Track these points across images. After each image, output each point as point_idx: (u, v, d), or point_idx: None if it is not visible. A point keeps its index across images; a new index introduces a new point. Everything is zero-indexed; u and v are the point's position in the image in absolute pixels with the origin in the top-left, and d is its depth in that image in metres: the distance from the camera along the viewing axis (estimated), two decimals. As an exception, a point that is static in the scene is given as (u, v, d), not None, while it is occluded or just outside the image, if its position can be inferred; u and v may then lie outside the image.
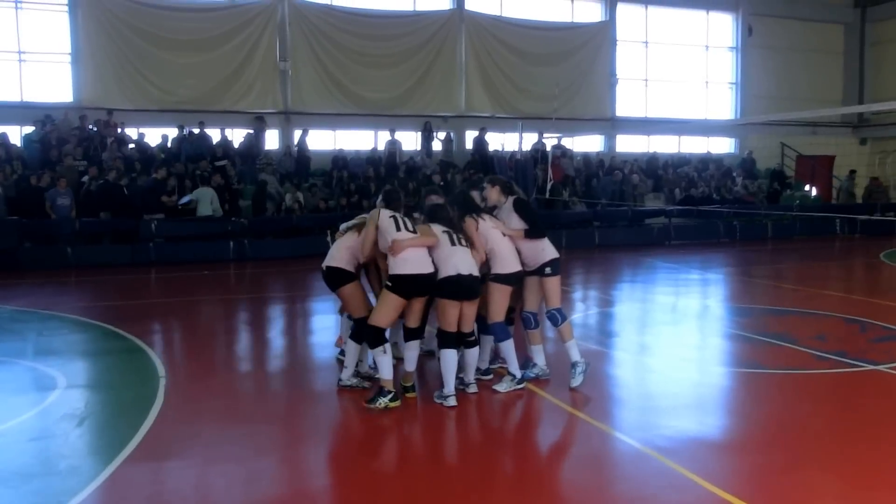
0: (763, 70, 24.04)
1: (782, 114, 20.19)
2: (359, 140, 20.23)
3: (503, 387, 6.14)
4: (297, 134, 19.12)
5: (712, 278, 14.00)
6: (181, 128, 17.76)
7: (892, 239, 19.23)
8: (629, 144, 22.81)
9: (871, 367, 6.90)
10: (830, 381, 6.56)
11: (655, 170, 21.36)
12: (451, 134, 20.83)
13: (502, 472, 4.79)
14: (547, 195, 16.93)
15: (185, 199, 15.48)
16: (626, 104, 22.84)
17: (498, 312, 6.09)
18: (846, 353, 7.26)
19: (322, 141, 19.72)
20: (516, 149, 20.19)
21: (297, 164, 18.48)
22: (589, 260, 15.81)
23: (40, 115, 16.97)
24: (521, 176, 14.40)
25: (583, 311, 10.11)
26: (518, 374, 6.20)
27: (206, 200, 15.43)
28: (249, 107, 19.10)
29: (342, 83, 19.91)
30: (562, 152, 20.58)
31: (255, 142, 18.43)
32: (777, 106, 22.78)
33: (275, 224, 16.46)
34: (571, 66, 21.98)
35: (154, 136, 17.79)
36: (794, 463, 4.75)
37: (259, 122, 18.73)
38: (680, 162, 22.33)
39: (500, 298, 6.08)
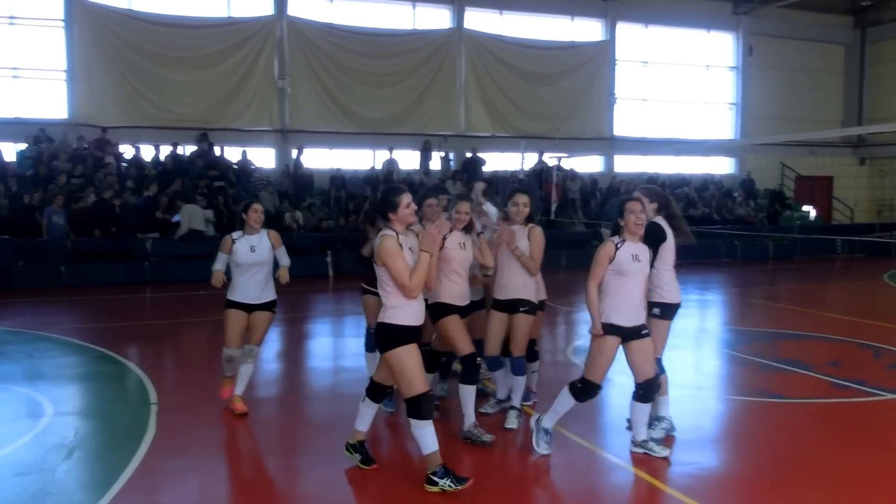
0: (763, 90, 23.98)
1: (782, 135, 20.07)
2: (357, 159, 20.05)
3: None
4: (296, 153, 18.94)
5: (715, 300, 13.79)
6: (175, 145, 17.56)
7: (893, 260, 19.10)
8: (628, 164, 22.68)
9: (892, 396, 6.67)
10: (854, 411, 6.32)
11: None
12: (451, 153, 20.69)
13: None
14: (552, 216, 16.74)
15: (175, 219, 15.25)
16: (625, 124, 22.73)
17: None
18: (865, 382, 7.02)
19: (320, 160, 19.53)
20: (517, 168, 20.13)
21: (295, 183, 18.27)
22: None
23: (34, 131, 16.76)
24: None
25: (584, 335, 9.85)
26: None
27: (196, 217, 15.14)
28: (247, 125, 18.92)
29: (341, 101, 19.76)
30: (569, 174, 20.46)
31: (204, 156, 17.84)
32: (777, 126, 22.70)
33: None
34: (571, 85, 21.89)
35: (151, 154, 17.56)
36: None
37: (202, 138, 18.10)
38: (679, 182, 22.20)
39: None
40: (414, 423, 4.54)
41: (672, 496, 4.59)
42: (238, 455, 5.30)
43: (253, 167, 18.44)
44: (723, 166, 24.42)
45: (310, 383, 7.81)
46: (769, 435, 5.73)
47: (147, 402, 6.47)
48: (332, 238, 16.35)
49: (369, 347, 6.36)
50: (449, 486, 4.46)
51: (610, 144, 22.28)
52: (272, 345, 9.76)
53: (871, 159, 26.24)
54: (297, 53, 19.27)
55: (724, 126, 24.21)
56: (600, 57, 22.25)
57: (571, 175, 20.56)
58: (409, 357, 4.51)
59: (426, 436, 4.54)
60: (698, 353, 9.07)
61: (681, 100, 23.44)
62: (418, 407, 4.48)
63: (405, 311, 4.54)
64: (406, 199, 4.59)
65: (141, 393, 6.82)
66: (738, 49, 24.14)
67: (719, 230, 19.22)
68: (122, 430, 5.87)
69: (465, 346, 5.32)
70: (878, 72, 25.79)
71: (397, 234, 4.55)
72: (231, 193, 16.65)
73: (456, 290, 5.38)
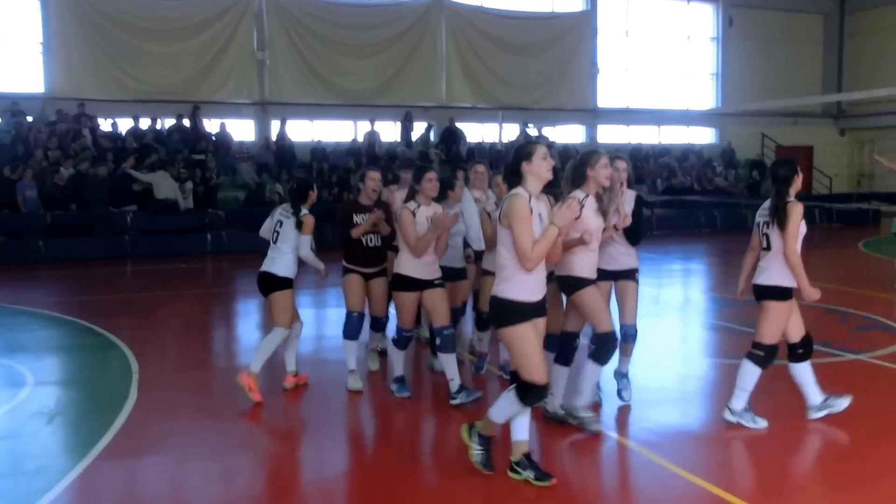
0: (744, 60, 24.05)
1: (762, 102, 20.21)
2: (338, 131, 19.99)
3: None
4: (275, 125, 18.86)
5: (695, 268, 14.00)
6: (154, 119, 17.46)
7: (869, 228, 19.41)
8: (610, 135, 22.75)
9: (853, 356, 6.87)
10: (817, 371, 6.50)
11: (637, 160, 21.33)
12: (433, 124, 20.67)
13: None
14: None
15: (143, 181, 15.07)
16: (608, 94, 22.76)
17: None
18: (829, 344, 7.22)
19: (300, 132, 19.46)
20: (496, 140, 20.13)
21: (278, 155, 18.23)
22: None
23: (9, 105, 16.56)
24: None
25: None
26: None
27: (165, 185, 15.03)
28: (226, 97, 18.77)
29: (321, 73, 19.64)
30: (552, 145, 20.50)
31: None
32: (757, 96, 22.81)
33: (254, 216, 16.12)
34: (552, 56, 21.86)
35: (130, 128, 17.42)
36: (782, 452, 4.70)
37: (193, 112, 17.92)
38: (661, 152, 22.33)
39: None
40: (513, 403, 4.13)
41: (635, 450, 4.75)
42: (218, 421, 5.40)
43: (232, 140, 18.37)
44: (704, 136, 24.55)
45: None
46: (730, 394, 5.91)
47: (128, 372, 6.54)
48: (315, 210, 16.33)
49: (350, 334, 6.04)
50: (533, 478, 4.16)
51: (592, 115, 22.32)
52: (252, 316, 9.83)
53: (851, 130, 26.48)
54: (275, 24, 19.10)
55: (705, 96, 24.30)
56: (582, 27, 22.21)
57: (554, 146, 20.59)
58: (528, 338, 4.05)
59: (520, 423, 4.22)
60: (672, 319, 9.27)
61: (662, 70, 23.47)
62: (527, 393, 4.07)
63: (523, 285, 4.05)
64: (542, 150, 4.09)
65: (122, 363, 6.88)
66: (718, 19, 24.17)
67: (699, 200, 19.42)
68: (103, 398, 5.95)
69: (606, 321, 4.90)
70: (858, 42, 25.92)
71: (530, 196, 4.03)
72: (212, 167, 16.60)
73: (592, 261, 4.89)
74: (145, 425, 5.25)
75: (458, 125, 20.29)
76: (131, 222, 14.79)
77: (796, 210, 4.90)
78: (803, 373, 5.13)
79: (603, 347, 4.89)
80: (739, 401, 5.04)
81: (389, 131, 20.02)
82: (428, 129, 20.40)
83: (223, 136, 18.25)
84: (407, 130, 20.20)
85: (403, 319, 5.64)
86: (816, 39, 25.90)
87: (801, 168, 5.17)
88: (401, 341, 5.74)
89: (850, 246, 16.34)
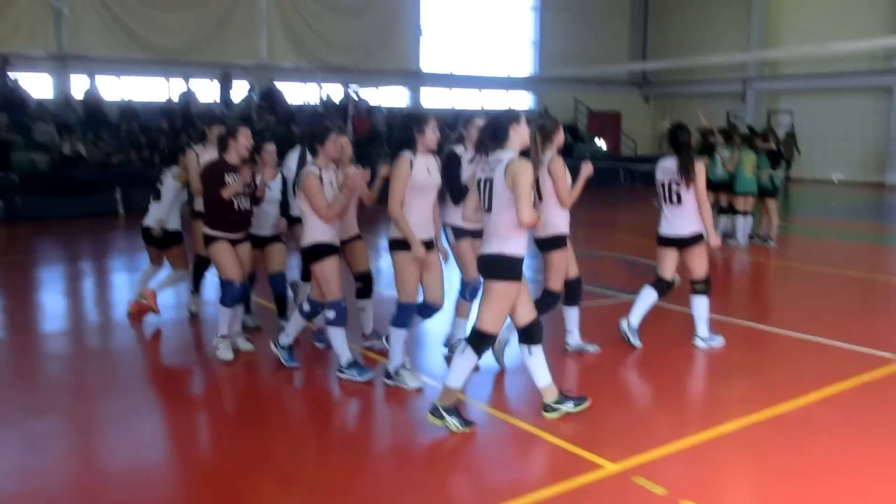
0: (559, 30, 25.26)
1: (574, 69, 21.42)
2: (150, 89, 18.83)
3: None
4: (76, 80, 17.42)
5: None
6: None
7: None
8: (434, 99, 23.15)
9: (629, 296, 7.59)
10: (595, 311, 7.14)
11: (459, 125, 21.88)
12: (254, 84, 19.99)
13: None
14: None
15: None
16: (432, 58, 23.09)
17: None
18: (609, 286, 7.94)
19: (108, 90, 18.10)
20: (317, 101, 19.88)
21: (87, 114, 16.86)
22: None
23: None
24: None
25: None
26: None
27: None
28: (18, 48, 17.04)
29: (128, 25, 18.31)
30: (375, 108, 20.51)
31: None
32: (571, 64, 24.11)
33: (53, 180, 14.95)
34: (376, 17, 21.80)
35: None
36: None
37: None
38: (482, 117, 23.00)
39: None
40: (470, 359, 4.36)
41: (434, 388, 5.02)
42: (15, 388, 5.08)
43: (30, 96, 16.78)
44: (523, 102, 25.62)
45: (89, 320, 7.50)
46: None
47: None
48: (124, 174, 15.41)
49: (230, 303, 5.67)
50: (572, 407, 4.58)
51: (416, 78, 22.57)
52: (50, 285, 9.18)
53: (655, 97, 28.71)
54: (73, -30, 17.55)
55: (524, 63, 25.32)
56: (405, -11, 22.29)
57: (377, 108, 20.67)
58: (512, 296, 4.34)
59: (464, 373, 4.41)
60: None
61: (485, 36, 24.13)
62: (484, 343, 4.37)
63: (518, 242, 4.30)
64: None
65: None
66: (536, -12, 25.17)
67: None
68: None
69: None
70: (661, 14, 28.05)
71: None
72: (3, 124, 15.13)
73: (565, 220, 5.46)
74: None
75: (280, 86, 19.80)
76: None
77: (701, 167, 5.68)
78: (701, 306, 6.00)
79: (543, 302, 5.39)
80: (703, 328, 6.01)
81: (207, 91, 19.14)
82: (250, 90, 19.74)
83: (15, 90, 16.57)
84: (226, 90, 19.41)
85: (332, 289, 5.14)
86: (624, 11, 27.72)
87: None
88: (317, 313, 5.46)
89: (647, 203, 17.79)
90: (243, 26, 19.94)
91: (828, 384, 5.13)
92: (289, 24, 20.53)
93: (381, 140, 19.52)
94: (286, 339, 5.49)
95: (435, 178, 5.01)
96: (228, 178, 5.54)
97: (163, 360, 6.12)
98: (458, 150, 5.39)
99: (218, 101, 19.06)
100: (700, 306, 5.96)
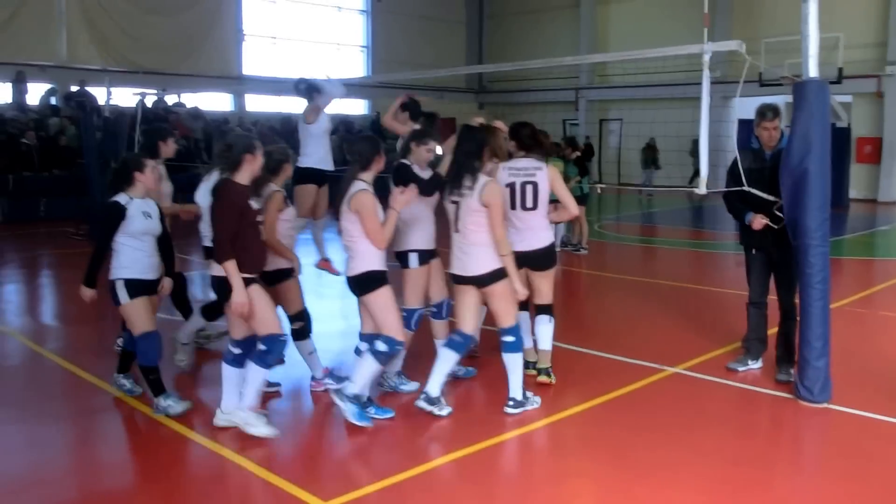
0: (393, 35, 25.00)
1: (405, 74, 21.18)
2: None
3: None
4: None
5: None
6: None
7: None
8: (259, 104, 22.19)
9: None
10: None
11: (290, 130, 21.05)
12: (55, 87, 18.20)
13: None
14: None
15: None
16: (255, 62, 22.11)
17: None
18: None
19: None
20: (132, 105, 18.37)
21: None
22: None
23: None
24: (109, 137, 12.76)
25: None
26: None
27: None
28: None
29: None
30: (192, 112, 19.24)
31: None
32: (405, 69, 23.88)
33: None
34: (192, 18, 20.57)
35: None
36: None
37: None
38: (314, 123, 22.29)
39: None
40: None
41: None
42: None
43: None
44: (356, 108, 25.16)
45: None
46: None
47: None
48: None
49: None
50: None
51: (238, 83, 21.54)
52: None
53: (489, 104, 29.14)
54: None
55: (355, 68, 24.85)
56: (225, -11, 21.20)
57: (195, 113, 19.44)
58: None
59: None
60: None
61: (313, 40, 23.43)
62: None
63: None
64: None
65: None
66: (367, -7, 24.78)
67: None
68: None
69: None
70: (495, 23, 28.52)
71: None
72: None
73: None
74: None
75: (92, 90, 18.10)
76: None
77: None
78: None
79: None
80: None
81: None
82: (50, 92, 17.97)
83: None
84: (21, 93, 17.55)
85: (391, 321, 4.62)
86: (459, 19, 27.92)
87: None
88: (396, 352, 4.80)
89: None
90: (39, 22, 18.14)
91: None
92: (92, 21, 18.90)
93: (199, 147, 18.34)
94: (353, 387, 4.57)
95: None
96: None
97: None
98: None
99: (11, 102, 17.19)
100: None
